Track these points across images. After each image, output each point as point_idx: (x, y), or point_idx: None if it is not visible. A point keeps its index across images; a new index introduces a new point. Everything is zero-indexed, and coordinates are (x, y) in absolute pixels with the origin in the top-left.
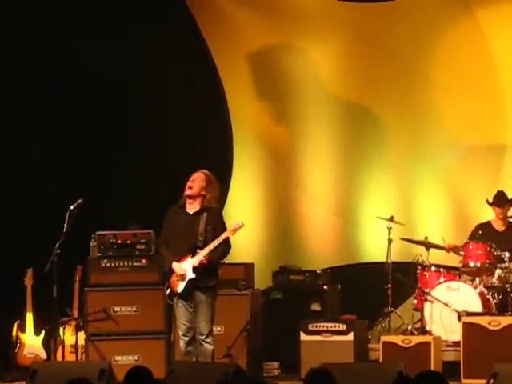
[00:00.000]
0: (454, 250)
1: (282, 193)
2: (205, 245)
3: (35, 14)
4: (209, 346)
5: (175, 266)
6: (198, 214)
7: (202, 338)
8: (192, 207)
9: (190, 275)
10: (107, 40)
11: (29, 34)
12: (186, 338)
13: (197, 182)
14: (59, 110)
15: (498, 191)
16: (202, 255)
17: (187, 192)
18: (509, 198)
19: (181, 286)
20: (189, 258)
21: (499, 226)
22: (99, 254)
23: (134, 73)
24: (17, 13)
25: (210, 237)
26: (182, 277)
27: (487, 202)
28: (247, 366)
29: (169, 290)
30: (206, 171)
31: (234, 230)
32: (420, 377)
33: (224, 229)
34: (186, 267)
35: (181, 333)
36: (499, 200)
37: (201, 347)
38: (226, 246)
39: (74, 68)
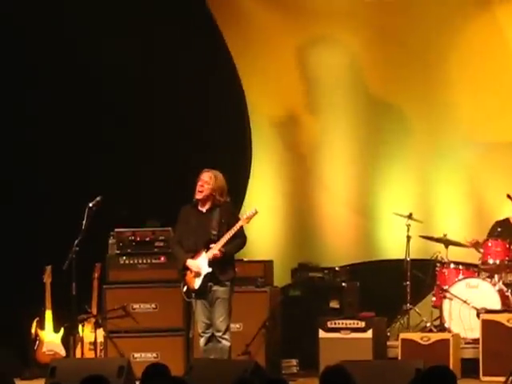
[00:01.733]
0: (476, 245)
1: (301, 189)
2: (219, 238)
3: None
4: (226, 343)
5: (190, 262)
6: (210, 210)
7: (220, 334)
8: (204, 206)
9: (206, 270)
10: (124, 35)
11: (30, 30)
12: (207, 335)
13: (206, 184)
14: (79, 106)
15: None
16: (217, 248)
17: (198, 196)
18: None
19: (197, 282)
20: (203, 253)
21: None
22: (118, 252)
23: (150, 68)
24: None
25: (223, 230)
26: (198, 273)
27: (508, 196)
28: (266, 363)
29: (185, 288)
30: (211, 171)
31: (248, 218)
32: (429, 372)
33: (237, 220)
34: (200, 263)
35: (200, 330)
36: None
37: (218, 344)
38: (241, 238)
39: (88, 64)
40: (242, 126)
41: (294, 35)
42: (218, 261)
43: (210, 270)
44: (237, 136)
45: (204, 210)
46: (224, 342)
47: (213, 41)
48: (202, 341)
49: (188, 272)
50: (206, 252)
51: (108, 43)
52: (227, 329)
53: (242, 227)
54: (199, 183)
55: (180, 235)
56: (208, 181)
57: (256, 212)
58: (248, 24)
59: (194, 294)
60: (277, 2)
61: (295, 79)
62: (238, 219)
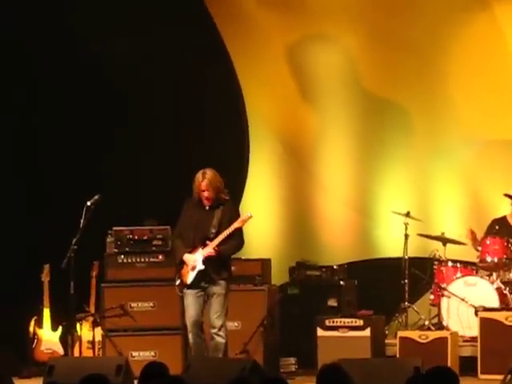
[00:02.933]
0: (472, 235)
1: (299, 188)
2: (217, 236)
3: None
4: (221, 340)
5: (186, 256)
6: (213, 208)
7: (215, 331)
8: (208, 203)
9: (200, 266)
10: (121, 36)
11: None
12: (195, 330)
13: (210, 189)
14: (73, 107)
15: None
16: (211, 246)
17: (207, 203)
18: None
19: (190, 277)
20: (200, 249)
21: None
22: (116, 250)
23: (148, 67)
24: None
25: (223, 229)
26: (193, 267)
27: (506, 195)
28: (264, 361)
29: (178, 281)
30: (209, 173)
31: (243, 221)
32: (432, 373)
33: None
34: (196, 258)
35: (189, 324)
36: None
37: (212, 341)
38: (238, 240)
39: (86, 63)
40: (240, 125)
41: (293, 34)
42: (212, 260)
43: (202, 267)
44: (235, 136)
45: (207, 206)
46: (218, 338)
47: (211, 40)
48: (190, 336)
49: (184, 266)
50: (203, 249)
51: (107, 42)
52: (222, 325)
53: (241, 229)
54: (204, 195)
55: (181, 228)
56: (208, 187)
57: (250, 216)
58: (246, 23)
59: (185, 288)
60: (274, 0)
61: (293, 79)
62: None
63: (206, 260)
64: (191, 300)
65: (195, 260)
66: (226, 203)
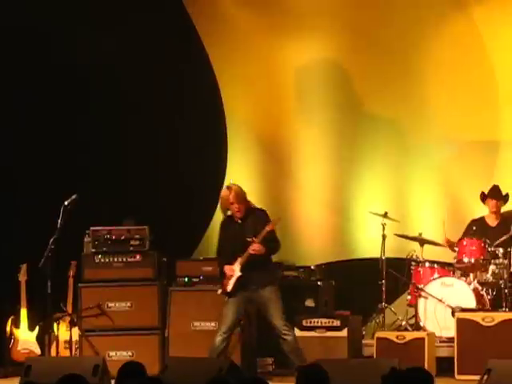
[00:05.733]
0: (450, 245)
1: (277, 188)
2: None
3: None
4: (289, 338)
5: (226, 267)
6: (245, 219)
7: (279, 332)
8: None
9: (237, 273)
10: (101, 30)
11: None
12: (225, 335)
13: (237, 200)
14: (49, 104)
15: (494, 185)
16: (252, 247)
17: (238, 215)
18: (503, 194)
19: (230, 286)
20: (239, 259)
21: (492, 221)
22: (93, 250)
23: (127, 65)
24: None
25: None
26: (231, 276)
27: (482, 195)
28: (241, 361)
29: (220, 291)
30: (234, 187)
31: (273, 223)
32: (407, 373)
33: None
34: (234, 267)
35: (222, 329)
36: (494, 193)
37: (284, 342)
38: (275, 243)
39: (62, 59)
40: (218, 125)
41: (271, 33)
42: (251, 266)
43: (239, 274)
44: (212, 136)
45: (238, 220)
46: (287, 337)
47: (189, 42)
48: (218, 339)
49: (226, 277)
50: (241, 257)
51: (82, 38)
52: (285, 324)
53: (274, 232)
54: (234, 208)
55: (221, 247)
56: (235, 199)
57: (279, 218)
58: (223, 21)
59: (226, 297)
60: (255, 2)
61: (271, 78)
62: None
63: (246, 267)
64: (230, 307)
65: (233, 269)
66: (255, 211)
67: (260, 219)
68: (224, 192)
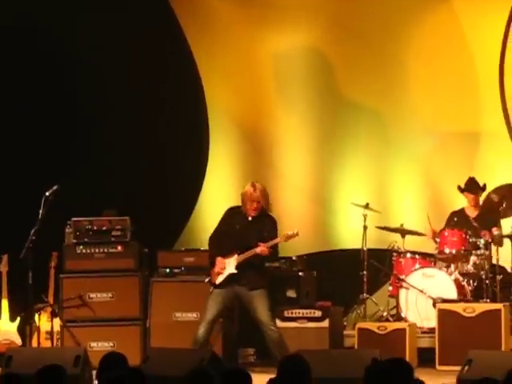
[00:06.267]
0: (433, 236)
1: (258, 178)
2: (255, 247)
3: None
4: (274, 334)
5: (218, 259)
6: (256, 219)
7: (265, 328)
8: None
9: (232, 270)
10: (83, 24)
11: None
12: (208, 326)
13: (262, 200)
14: (31, 96)
15: (470, 178)
16: (260, 248)
17: (253, 214)
18: (480, 185)
19: (219, 279)
20: (236, 255)
21: (472, 212)
22: (75, 241)
23: (107, 57)
24: None
25: (262, 241)
26: (223, 269)
27: (459, 188)
28: (222, 352)
29: (207, 279)
30: (259, 186)
31: (288, 237)
32: (385, 364)
33: (276, 237)
34: (229, 262)
35: (205, 320)
36: (470, 187)
37: (268, 337)
38: (276, 252)
39: (47, 53)
40: (200, 117)
41: (253, 25)
42: (247, 267)
43: (234, 271)
44: (194, 126)
45: (250, 217)
46: (270, 332)
47: (171, 33)
48: (201, 330)
49: (215, 267)
50: (238, 255)
51: (66, 33)
52: (271, 320)
53: (277, 245)
54: (253, 206)
55: (219, 233)
56: (260, 198)
57: (297, 234)
58: (207, 16)
59: (212, 288)
60: None
61: (253, 69)
62: (276, 236)
63: (241, 266)
64: (216, 299)
65: (227, 263)
66: (268, 217)
67: (268, 226)
68: (248, 188)
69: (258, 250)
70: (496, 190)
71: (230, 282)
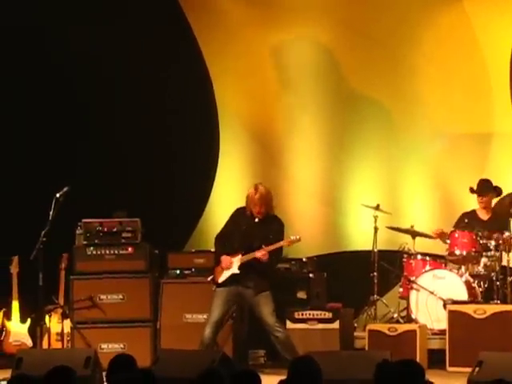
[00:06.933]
0: (441, 236)
1: (268, 180)
2: (259, 248)
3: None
4: (281, 335)
5: (224, 257)
6: (262, 221)
7: (271, 330)
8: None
9: (235, 270)
10: (92, 24)
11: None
12: (214, 327)
13: (261, 203)
14: (41, 97)
15: (481, 180)
16: (264, 250)
17: (259, 216)
18: (493, 186)
19: (222, 277)
20: (240, 255)
21: (484, 215)
22: (85, 242)
23: (118, 59)
24: None
25: (267, 244)
26: (227, 268)
27: (470, 189)
28: (233, 353)
29: (210, 277)
30: (261, 188)
31: (291, 242)
32: (397, 365)
33: (281, 240)
34: (233, 261)
35: (211, 321)
36: (481, 189)
37: (275, 339)
38: (277, 260)
39: (52, 52)
40: (210, 119)
41: (264, 28)
42: (251, 268)
43: (237, 271)
44: (204, 128)
45: (257, 219)
46: (277, 334)
47: (182, 35)
48: (207, 331)
49: (220, 265)
50: (243, 255)
51: (72, 32)
52: (276, 322)
53: (281, 248)
54: (256, 209)
55: (226, 233)
56: (259, 201)
57: (299, 239)
58: (217, 18)
59: (214, 286)
60: None
61: (263, 70)
62: (282, 239)
63: (244, 267)
64: (220, 299)
65: (231, 262)
66: (276, 220)
67: (275, 229)
68: (250, 190)
69: (258, 254)
70: (510, 194)
71: (232, 282)
